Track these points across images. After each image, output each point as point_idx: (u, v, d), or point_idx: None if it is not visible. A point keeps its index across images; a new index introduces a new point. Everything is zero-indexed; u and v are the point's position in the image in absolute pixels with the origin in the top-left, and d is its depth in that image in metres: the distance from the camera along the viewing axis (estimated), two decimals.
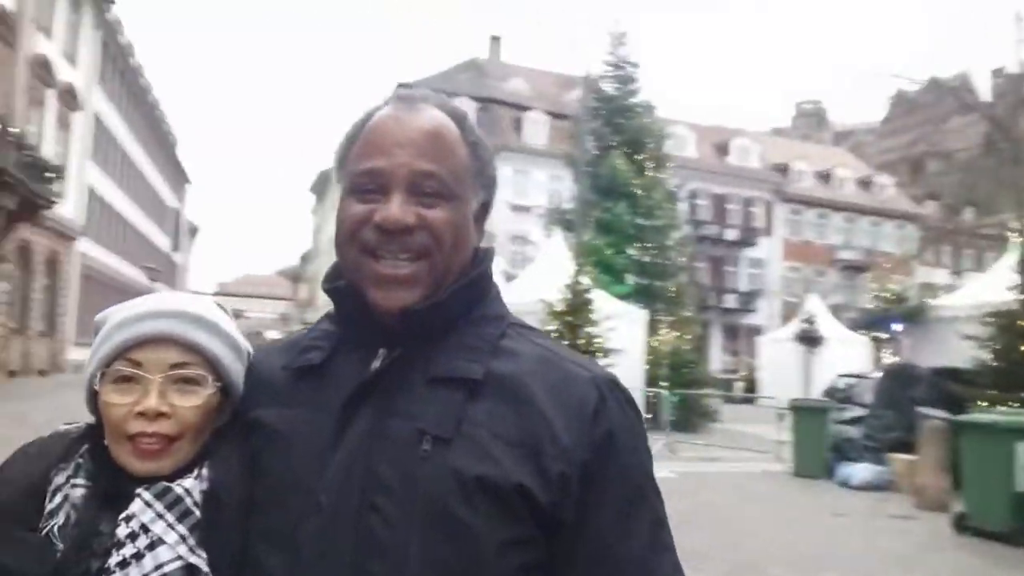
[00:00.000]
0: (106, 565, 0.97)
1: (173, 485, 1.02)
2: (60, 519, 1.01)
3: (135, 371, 1.04)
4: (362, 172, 1.03)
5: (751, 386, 31.60)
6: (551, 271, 17.50)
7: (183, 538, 1.00)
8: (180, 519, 1.00)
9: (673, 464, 12.77)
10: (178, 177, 59.27)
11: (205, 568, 0.99)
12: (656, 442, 14.74)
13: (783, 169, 49.64)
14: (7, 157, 19.42)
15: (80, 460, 1.05)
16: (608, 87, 26.09)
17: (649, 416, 18.30)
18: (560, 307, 16.39)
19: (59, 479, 1.04)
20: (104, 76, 34.05)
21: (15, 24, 22.11)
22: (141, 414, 1.02)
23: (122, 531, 0.99)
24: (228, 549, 1.01)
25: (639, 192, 23.85)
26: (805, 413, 12.56)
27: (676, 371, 19.24)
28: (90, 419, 1.10)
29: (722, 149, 48.52)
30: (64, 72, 27.46)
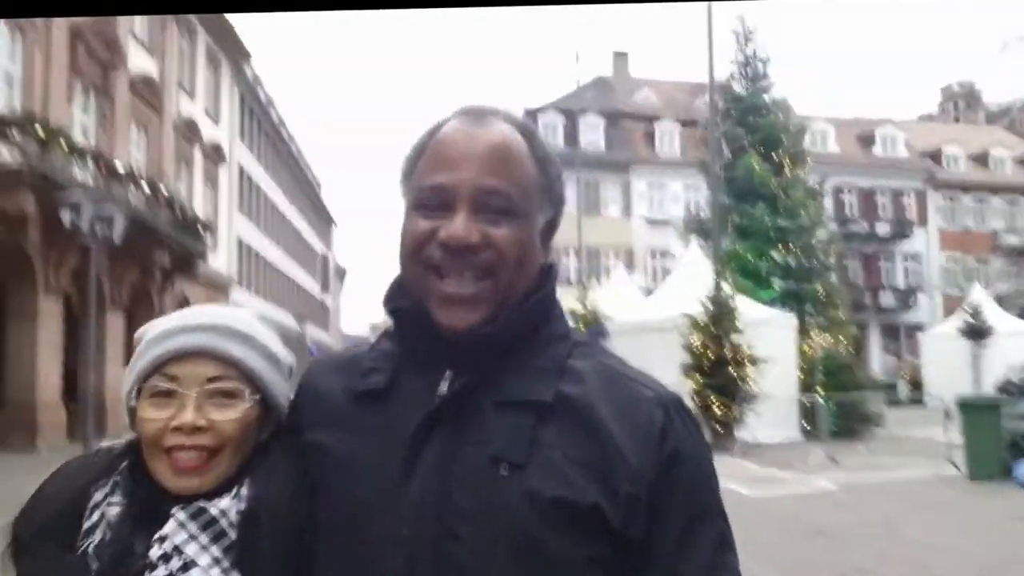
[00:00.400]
0: None
1: (208, 506, 1.01)
2: (97, 537, 1.00)
3: (171, 386, 1.03)
4: (427, 187, 1.02)
5: (916, 387, 29.77)
6: (691, 282, 16.89)
7: (216, 560, 0.99)
8: (214, 540, 1.00)
9: (835, 474, 12.18)
10: (324, 220, 62.00)
11: None
12: (814, 452, 13.70)
13: (934, 155, 46.31)
14: (159, 216, 20.29)
15: (118, 478, 1.04)
16: (738, 87, 25.06)
17: (806, 426, 16.99)
18: (702, 319, 15.56)
19: (98, 496, 1.03)
20: (245, 130, 35.90)
21: (160, 89, 23.59)
22: (178, 429, 1.01)
23: (155, 552, 0.98)
24: (267, 571, 0.99)
25: (778, 192, 22.77)
26: (976, 411, 11.75)
27: (832, 376, 18.12)
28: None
29: (866, 141, 45.77)
30: (208, 130, 28.79)
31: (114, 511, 1.02)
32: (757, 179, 22.56)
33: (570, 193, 34.11)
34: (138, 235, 16.93)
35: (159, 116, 23.73)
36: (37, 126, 15.24)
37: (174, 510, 1.01)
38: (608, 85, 44.60)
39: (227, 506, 1.02)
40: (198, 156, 28.06)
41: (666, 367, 16.58)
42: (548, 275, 1.09)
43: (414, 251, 1.02)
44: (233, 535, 1.01)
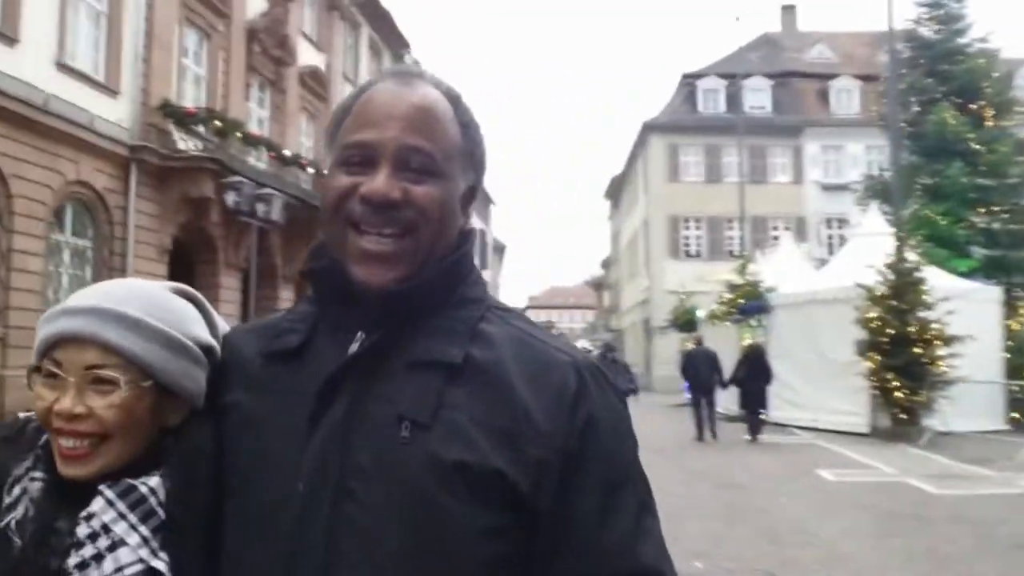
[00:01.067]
0: (64, 566, 0.95)
1: (137, 484, 0.99)
2: (19, 512, 0.98)
3: (55, 370, 1.01)
4: (351, 144, 1.02)
5: None
6: (870, 251, 15.16)
7: (146, 540, 0.97)
8: (143, 520, 0.97)
9: None
10: (483, 200, 63.14)
11: (167, 573, 0.96)
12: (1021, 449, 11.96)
13: None
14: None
15: (40, 451, 1.02)
16: (926, 31, 22.51)
17: (1014, 415, 15.13)
18: (882, 291, 14.14)
19: (18, 470, 1.01)
20: None
21: (327, 80, 24.67)
22: (58, 413, 0.99)
23: (82, 531, 0.96)
24: (193, 553, 0.98)
25: (978, 148, 20.21)
26: None
27: None
28: None
29: None
30: None
31: (36, 486, 1.00)
32: (951, 134, 20.20)
33: (733, 160, 32.48)
34: (305, 215, 18.17)
35: (326, 105, 24.83)
36: (216, 120, 16.69)
37: (101, 487, 0.98)
38: (775, 43, 41.81)
39: (156, 484, 1.00)
40: None
41: (836, 343, 15.15)
42: (466, 238, 1.09)
43: (335, 207, 1.01)
44: (162, 514, 0.98)
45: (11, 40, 12.30)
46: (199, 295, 1.16)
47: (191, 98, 17.43)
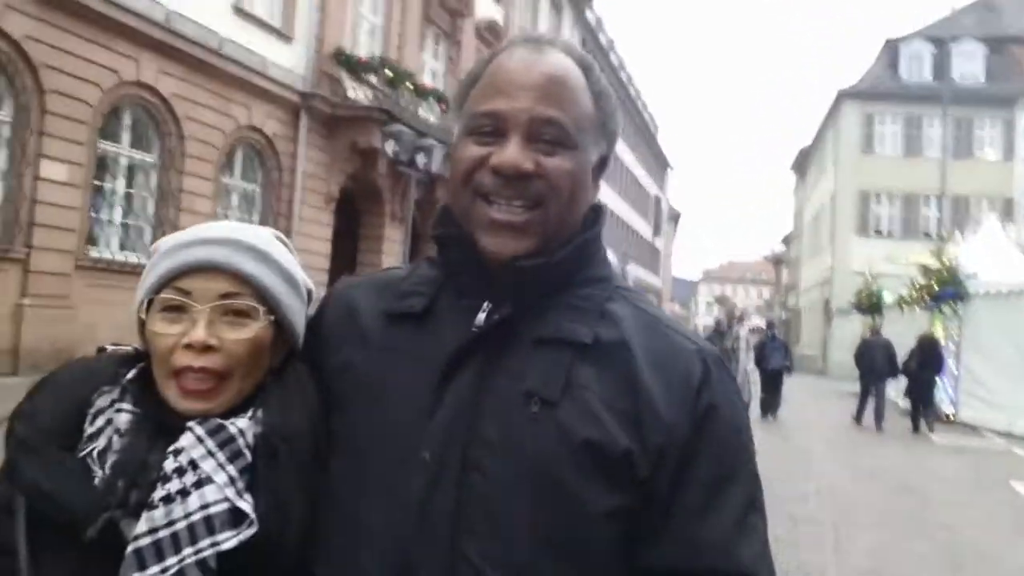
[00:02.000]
0: (150, 499, 0.94)
1: (227, 423, 0.98)
2: (100, 443, 0.98)
3: (183, 300, 1.00)
4: (482, 113, 1.00)
5: None
6: None
7: (232, 480, 0.95)
8: (231, 460, 0.97)
9: None
10: (659, 164, 61.34)
11: (252, 515, 0.95)
12: None
13: None
14: None
15: (127, 385, 1.02)
16: None
17: None
18: None
19: (102, 402, 1.01)
20: None
21: (504, 34, 24.43)
22: (188, 346, 0.98)
23: (169, 465, 0.95)
24: (277, 499, 0.97)
25: None
26: None
27: None
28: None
29: None
30: None
31: (124, 418, 0.99)
32: None
33: (935, 133, 29.52)
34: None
35: None
36: (387, 69, 16.74)
37: (191, 424, 0.97)
38: (993, 6, 37.42)
39: (245, 426, 0.99)
40: None
41: None
42: (598, 215, 1.08)
43: (465, 177, 1.00)
44: (249, 457, 0.98)
45: None
46: (289, 241, 1.15)
47: (365, 48, 17.50)
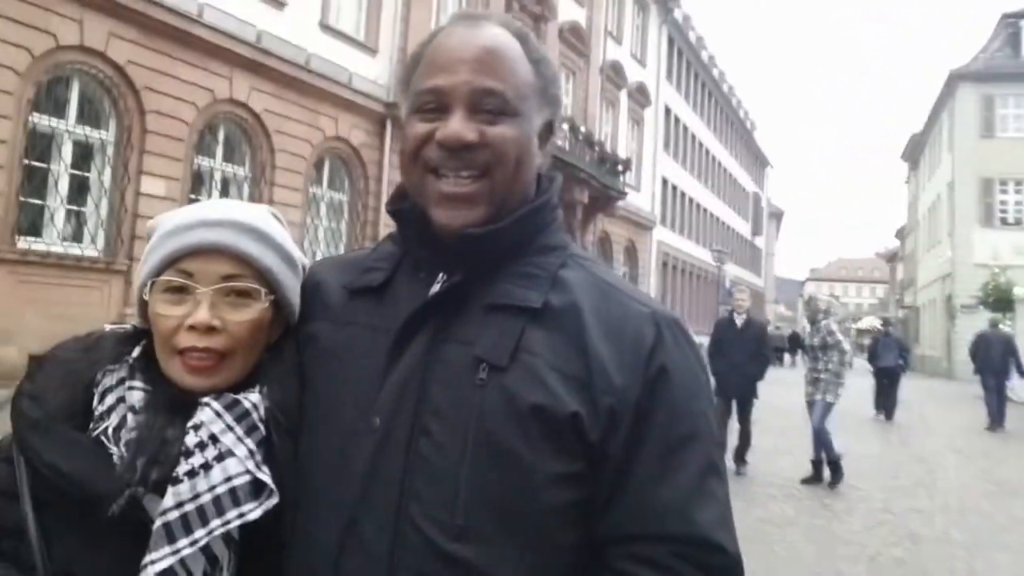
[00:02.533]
0: (174, 474, 0.95)
1: (241, 398, 1.00)
2: (113, 421, 0.98)
3: (186, 281, 1.02)
4: (424, 91, 1.03)
5: None
6: None
7: (251, 453, 0.97)
8: (248, 433, 0.98)
9: None
10: (758, 162, 59.49)
11: (272, 485, 0.97)
12: None
13: None
14: (581, 156, 21.35)
15: (134, 363, 1.03)
16: None
17: None
18: None
19: (109, 380, 1.01)
20: (673, 71, 35.57)
21: (588, 36, 24.16)
22: (192, 328, 1.00)
23: (191, 439, 0.96)
24: (287, 470, 0.99)
25: None
26: None
27: None
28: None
29: None
30: (634, 73, 29.22)
31: (137, 395, 1.00)
32: None
33: None
34: (559, 174, 17.47)
35: (586, 61, 24.44)
36: None
37: (207, 399, 0.99)
38: None
39: (257, 401, 1.01)
40: (623, 98, 28.68)
41: None
42: (550, 183, 1.10)
43: (413, 153, 1.03)
44: (263, 430, 1.00)
45: (280, 4, 12.91)
46: (282, 218, 1.16)
47: None
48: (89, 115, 10.53)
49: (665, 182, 34.63)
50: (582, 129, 21.70)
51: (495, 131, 1.00)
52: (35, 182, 9.93)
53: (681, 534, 0.93)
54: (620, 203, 25.43)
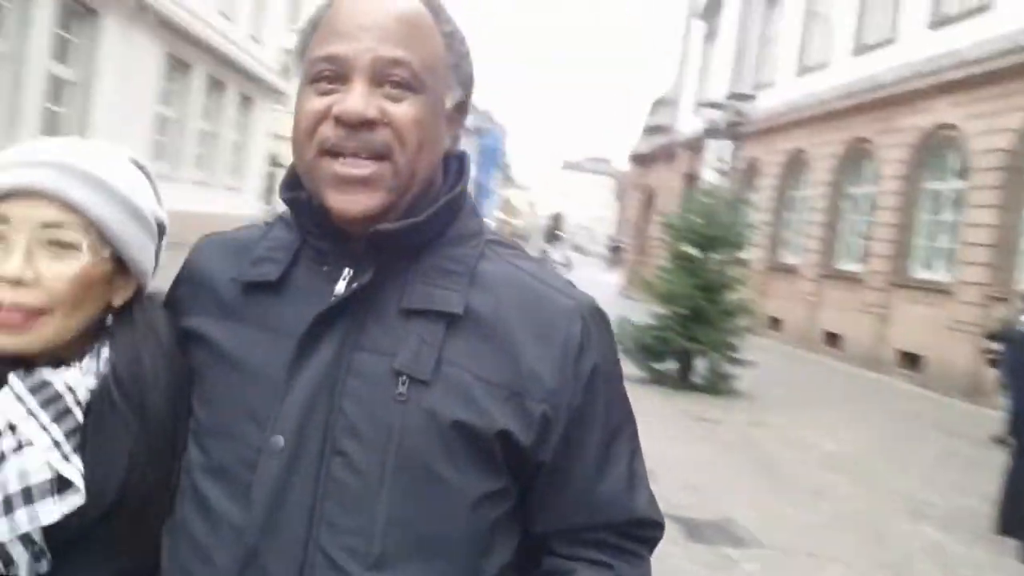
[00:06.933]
0: None
1: (52, 378, 0.91)
2: None
3: (1, 227, 0.91)
4: (322, 58, 0.94)
5: None
6: None
7: (57, 444, 0.89)
8: (56, 420, 0.90)
9: None
10: None
11: (79, 482, 0.89)
12: None
13: None
14: None
15: None
16: None
17: None
18: None
19: None
20: None
21: None
22: (1, 278, 0.90)
23: None
24: (113, 461, 0.91)
25: None
26: None
27: None
28: None
29: None
30: None
31: None
32: None
33: None
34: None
35: None
36: None
37: (11, 379, 0.90)
38: None
39: (75, 382, 0.92)
40: None
41: None
42: (462, 165, 1.04)
43: (307, 131, 0.94)
44: (79, 416, 0.91)
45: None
46: (147, 167, 1.06)
47: None
48: None
49: None
50: None
51: (399, 109, 0.91)
52: None
53: (623, 520, 0.98)
54: None
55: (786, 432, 8.59)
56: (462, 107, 1.02)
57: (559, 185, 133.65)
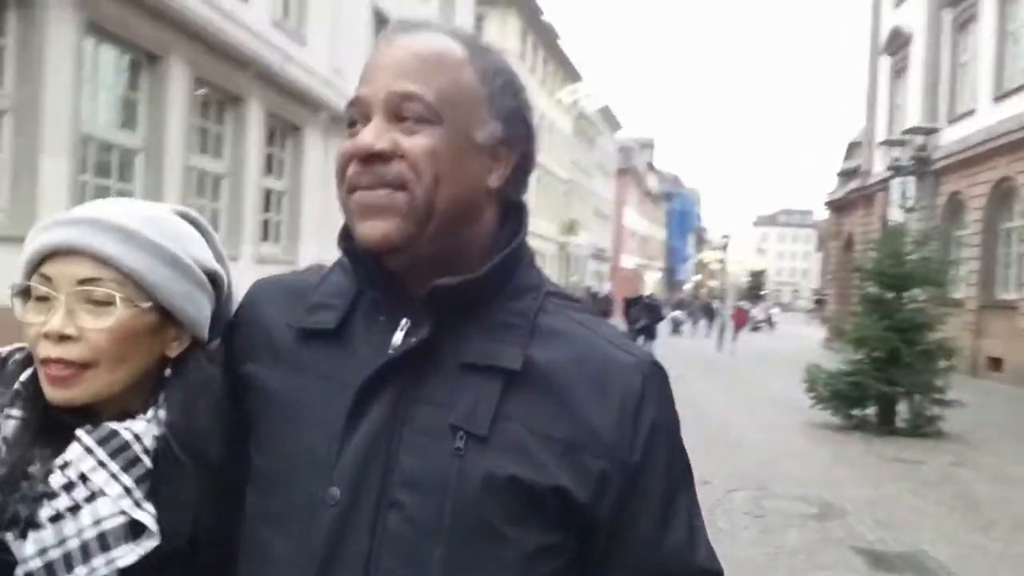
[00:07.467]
0: (36, 518, 0.89)
1: (120, 429, 0.94)
2: None
3: (44, 287, 0.94)
4: (350, 103, 0.95)
5: None
6: None
7: (128, 491, 0.92)
8: (126, 468, 0.92)
9: None
10: None
11: (153, 526, 0.91)
12: None
13: None
14: None
15: (19, 387, 0.97)
16: None
17: None
18: None
19: None
20: None
21: None
22: (47, 336, 0.93)
23: (56, 480, 0.91)
24: (182, 506, 0.93)
25: None
26: None
27: None
28: None
29: None
30: None
31: (11, 425, 0.94)
32: None
33: None
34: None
35: None
36: None
37: (79, 432, 0.93)
38: None
39: (141, 430, 0.94)
40: None
41: None
42: (520, 215, 1.00)
43: (339, 174, 0.94)
44: (149, 463, 0.93)
45: None
46: (203, 220, 1.08)
47: None
48: None
49: None
50: None
51: (412, 141, 0.89)
52: None
53: (684, 573, 0.97)
54: None
55: (992, 470, 8.11)
56: (510, 143, 0.96)
57: (754, 241, 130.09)
